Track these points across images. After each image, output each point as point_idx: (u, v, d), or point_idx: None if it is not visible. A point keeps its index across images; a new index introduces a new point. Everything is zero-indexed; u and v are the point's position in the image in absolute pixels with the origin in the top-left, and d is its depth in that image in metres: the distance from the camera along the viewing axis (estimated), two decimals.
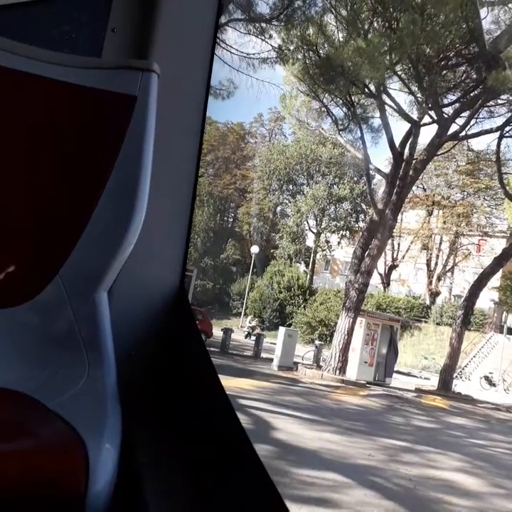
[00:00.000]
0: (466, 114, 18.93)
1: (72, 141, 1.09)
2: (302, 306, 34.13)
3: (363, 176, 29.74)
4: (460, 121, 19.02)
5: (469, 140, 25.57)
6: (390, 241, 32.41)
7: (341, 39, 17.49)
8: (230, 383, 11.21)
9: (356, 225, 38.51)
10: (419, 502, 6.04)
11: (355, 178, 38.55)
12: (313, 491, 5.62)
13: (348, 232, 39.10)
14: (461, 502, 6.19)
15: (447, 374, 20.31)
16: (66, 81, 1.09)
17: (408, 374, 25.43)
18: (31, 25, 1.33)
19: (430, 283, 38.01)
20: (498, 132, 20.25)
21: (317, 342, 22.36)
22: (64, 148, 1.09)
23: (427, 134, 19.21)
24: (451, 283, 38.34)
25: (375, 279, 32.61)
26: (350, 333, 17.59)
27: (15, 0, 1.31)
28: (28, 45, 1.11)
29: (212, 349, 17.93)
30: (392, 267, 39.00)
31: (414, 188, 28.63)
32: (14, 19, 1.33)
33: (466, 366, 27.37)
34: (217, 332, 20.47)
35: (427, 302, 36.16)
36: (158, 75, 1.10)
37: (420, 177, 26.00)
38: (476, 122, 20.09)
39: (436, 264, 38.77)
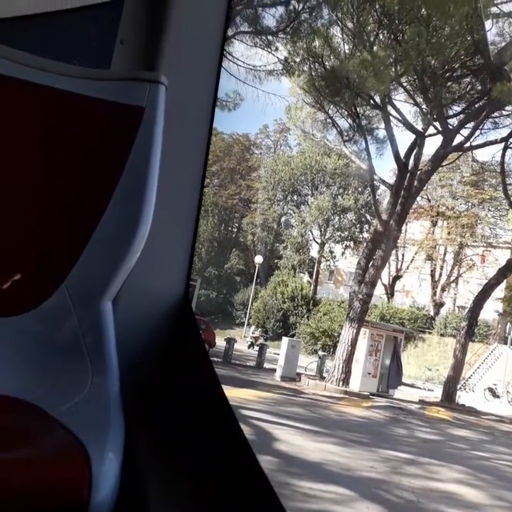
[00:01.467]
0: (470, 125, 18.97)
1: (80, 151, 1.10)
2: (306, 316, 33.99)
3: (368, 187, 29.82)
4: (465, 132, 19.07)
5: (474, 151, 25.49)
6: (394, 252, 32.36)
7: (347, 51, 17.57)
8: (232, 393, 11.15)
9: (360, 236, 38.44)
10: None
11: (360, 189, 38.58)
12: (315, 503, 5.57)
13: (352, 243, 39.05)
14: None
15: (451, 385, 20.17)
16: (75, 92, 1.11)
17: (412, 385, 25.24)
18: (40, 36, 1.35)
19: (434, 294, 37.88)
20: (503, 143, 20.31)
21: (320, 353, 22.25)
22: (72, 158, 1.11)
23: (432, 145, 19.32)
24: (455, 294, 38.18)
25: (379, 290, 32.53)
26: (353, 343, 17.50)
27: (24, 12, 1.32)
28: (38, 57, 1.12)
29: (215, 359, 17.85)
30: (396, 277, 38.90)
31: (418, 198, 28.62)
32: (24, 31, 1.34)
33: (470, 378, 27.17)
34: (220, 342, 20.41)
35: (431, 313, 35.99)
36: (166, 86, 1.12)
37: (425, 188, 26.00)
38: (480, 133, 20.15)
39: (440, 274, 38.66)
